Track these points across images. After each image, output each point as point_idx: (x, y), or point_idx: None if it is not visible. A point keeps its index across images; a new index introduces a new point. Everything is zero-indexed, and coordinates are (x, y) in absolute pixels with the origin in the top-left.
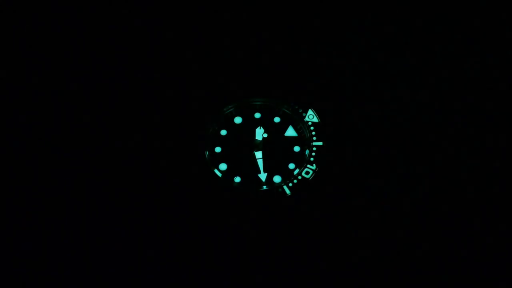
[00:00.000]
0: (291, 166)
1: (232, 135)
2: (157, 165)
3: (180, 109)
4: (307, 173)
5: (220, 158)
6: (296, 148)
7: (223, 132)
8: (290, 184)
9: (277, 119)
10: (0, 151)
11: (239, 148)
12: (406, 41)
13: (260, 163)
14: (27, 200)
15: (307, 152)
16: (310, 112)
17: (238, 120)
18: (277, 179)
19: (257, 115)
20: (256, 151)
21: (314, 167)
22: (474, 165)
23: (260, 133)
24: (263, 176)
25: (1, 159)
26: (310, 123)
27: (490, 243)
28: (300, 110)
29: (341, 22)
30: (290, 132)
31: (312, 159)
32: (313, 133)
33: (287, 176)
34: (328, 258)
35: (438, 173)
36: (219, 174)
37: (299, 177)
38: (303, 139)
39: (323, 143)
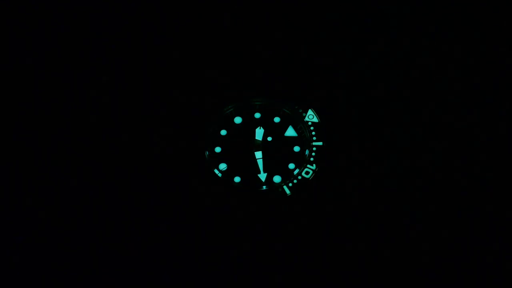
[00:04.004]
0: (291, 166)
1: (232, 135)
2: (157, 165)
3: (180, 109)
4: (307, 173)
5: (220, 158)
6: (296, 148)
7: (223, 132)
8: (290, 184)
9: (277, 119)
10: (1, 151)
11: (239, 148)
12: (406, 42)
13: (260, 163)
14: (28, 200)
15: (307, 152)
16: (310, 112)
17: (238, 120)
18: (277, 179)
19: (257, 115)
20: (256, 151)
21: (314, 167)
22: (475, 166)
23: (260, 133)
24: (263, 176)
25: (2, 159)
26: (310, 123)
27: (490, 244)
28: (300, 110)
29: (341, 22)
30: (290, 132)
31: (312, 159)
32: (313, 133)
33: (287, 176)
34: (328, 258)
35: (438, 173)
36: (219, 174)
37: (299, 177)
38: (303, 139)
39: (323, 143)
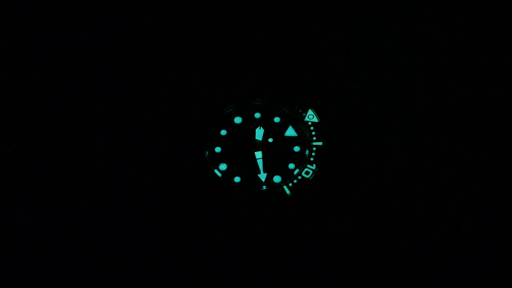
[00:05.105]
0: (291, 166)
1: (232, 135)
2: (157, 165)
3: (180, 109)
4: (307, 173)
5: (220, 158)
6: (296, 148)
7: (223, 132)
8: (290, 184)
9: (277, 119)
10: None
11: (239, 148)
12: (406, 41)
13: (260, 163)
14: (29, 200)
15: (307, 152)
16: (310, 112)
17: (238, 120)
18: (277, 179)
19: (257, 115)
20: (256, 151)
21: (314, 167)
22: (474, 166)
23: (260, 133)
24: (263, 176)
25: (2, 159)
26: (310, 123)
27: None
28: (300, 110)
29: (341, 22)
30: (290, 132)
31: (312, 159)
32: (313, 133)
33: (287, 176)
34: (328, 258)
35: (438, 173)
36: (219, 174)
37: (299, 177)
38: (303, 139)
39: (323, 143)
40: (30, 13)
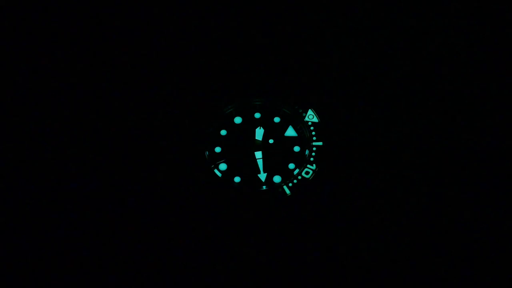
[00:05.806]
0: (291, 166)
1: (232, 135)
2: (157, 165)
3: (180, 109)
4: (307, 173)
5: (220, 158)
6: (296, 148)
7: (223, 132)
8: (290, 184)
9: (277, 119)
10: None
11: (239, 148)
12: (406, 42)
13: (260, 163)
14: (30, 200)
15: (307, 152)
16: (310, 112)
17: (238, 120)
18: (277, 179)
19: (257, 115)
20: (256, 151)
21: (314, 167)
22: (474, 166)
23: (260, 133)
24: (263, 176)
25: (2, 160)
26: (310, 123)
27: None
28: (300, 110)
29: (341, 22)
30: (290, 132)
31: (312, 159)
32: (313, 133)
33: (287, 176)
34: (328, 258)
35: (437, 173)
36: (219, 174)
37: (299, 177)
38: (303, 139)
39: (323, 143)
40: (30, 13)
